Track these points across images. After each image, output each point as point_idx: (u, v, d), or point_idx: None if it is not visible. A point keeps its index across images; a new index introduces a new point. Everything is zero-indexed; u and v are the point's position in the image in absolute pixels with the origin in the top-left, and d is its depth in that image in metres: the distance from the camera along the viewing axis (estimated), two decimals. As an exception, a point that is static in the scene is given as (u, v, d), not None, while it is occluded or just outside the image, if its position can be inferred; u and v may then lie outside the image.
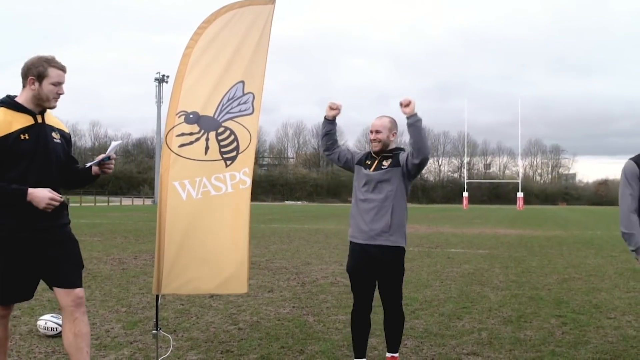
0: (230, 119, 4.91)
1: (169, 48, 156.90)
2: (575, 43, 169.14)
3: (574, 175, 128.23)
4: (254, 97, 4.95)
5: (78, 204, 57.23)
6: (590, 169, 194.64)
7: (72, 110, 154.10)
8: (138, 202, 70.50)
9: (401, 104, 4.66)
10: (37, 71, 3.99)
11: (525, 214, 48.56)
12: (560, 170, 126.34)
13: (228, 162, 4.87)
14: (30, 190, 3.87)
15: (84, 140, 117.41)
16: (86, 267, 11.03)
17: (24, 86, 4.04)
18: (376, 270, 4.78)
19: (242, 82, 4.96)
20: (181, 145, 4.91)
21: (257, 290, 8.79)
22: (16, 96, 4.05)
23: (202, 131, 4.91)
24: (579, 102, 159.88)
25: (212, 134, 4.90)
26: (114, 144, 4.38)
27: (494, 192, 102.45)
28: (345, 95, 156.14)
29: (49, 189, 3.93)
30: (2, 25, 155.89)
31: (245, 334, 6.15)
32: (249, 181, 4.79)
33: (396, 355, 4.94)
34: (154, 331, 4.93)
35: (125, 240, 17.17)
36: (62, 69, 4.09)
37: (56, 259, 4.05)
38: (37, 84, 3.99)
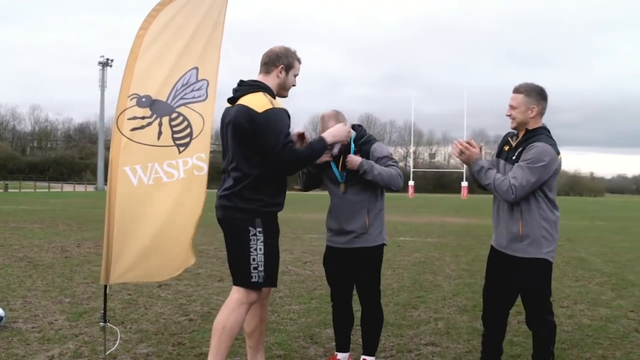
0: (184, 104, 4.67)
1: (114, 30, 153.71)
2: (524, 35, 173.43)
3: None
4: (208, 84, 4.73)
5: (17, 190, 55.50)
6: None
7: (12, 93, 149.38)
8: (80, 188, 68.29)
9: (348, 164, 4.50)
10: (288, 61, 4.24)
11: (469, 202, 49.40)
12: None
13: (181, 149, 4.63)
14: (325, 134, 4.27)
15: (23, 125, 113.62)
16: (27, 255, 10.65)
17: (267, 72, 4.24)
18: None
19: (196, 68, 4.73)
20: (133, 129, 4.66)
21: (207, 279, 8.58)
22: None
23: (155, 116, 4.66)
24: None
25: (165, 119, 4.66)
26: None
27: (439, 181, 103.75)
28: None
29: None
30: None
31: (197, 325, 5.95)
32: (205, 167, 4.55)
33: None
34: (102, 323, 4.68)
35: (68, 227, 16.55)
36: (301, 62, 4.35)
37: None
38: (284, 73, 4.23)
